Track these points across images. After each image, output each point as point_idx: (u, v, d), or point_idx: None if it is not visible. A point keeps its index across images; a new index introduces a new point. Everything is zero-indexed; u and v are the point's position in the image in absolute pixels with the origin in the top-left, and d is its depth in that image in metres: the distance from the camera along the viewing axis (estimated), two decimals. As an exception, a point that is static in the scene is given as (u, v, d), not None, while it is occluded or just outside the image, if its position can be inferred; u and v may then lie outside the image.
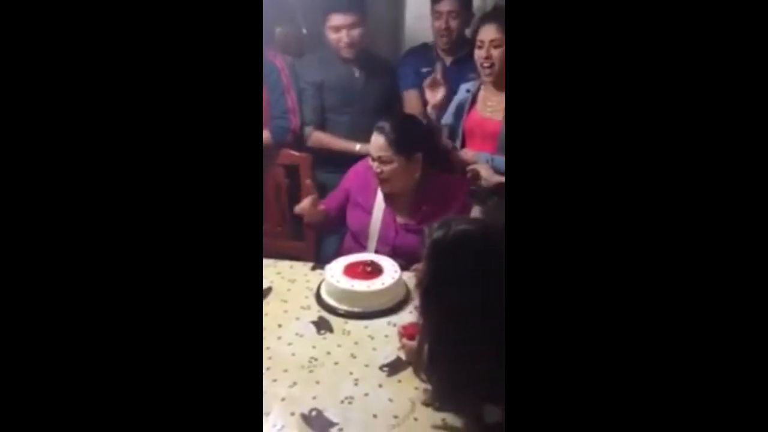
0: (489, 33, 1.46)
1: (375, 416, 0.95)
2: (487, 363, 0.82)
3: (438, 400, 0.92)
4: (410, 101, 1.77)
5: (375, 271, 1.29)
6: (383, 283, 1.25)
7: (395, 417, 0.95)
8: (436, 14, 1.73)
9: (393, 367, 1.07)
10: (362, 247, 1.49)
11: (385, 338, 1.16)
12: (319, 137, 1.78)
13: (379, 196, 1.49)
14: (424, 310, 0.89)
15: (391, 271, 1.29)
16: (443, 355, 0.87)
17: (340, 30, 1.65)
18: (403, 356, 1.08)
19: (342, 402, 0.99)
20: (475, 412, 0.87)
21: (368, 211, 1.49)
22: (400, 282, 1.27)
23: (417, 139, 1.43)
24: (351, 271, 1.29)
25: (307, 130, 1.78)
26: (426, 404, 0.95)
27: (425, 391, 0.95)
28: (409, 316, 1.20)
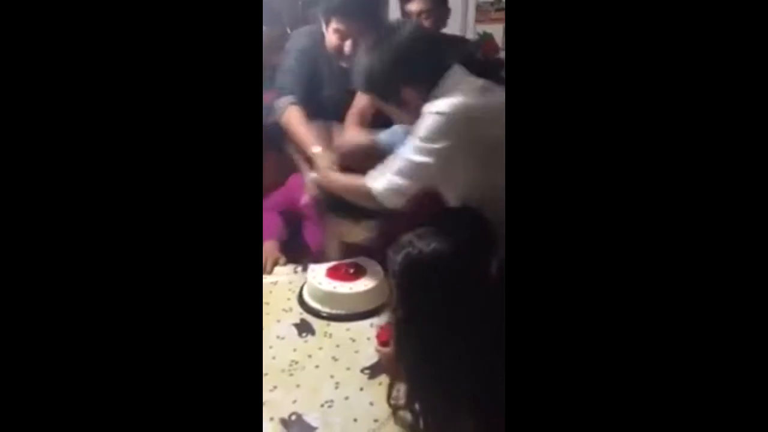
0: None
1: (355, 420, 0.94)
2: (472, 393, 0.78)
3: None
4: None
5: (358, 272, 1.28)
6: (366, 285, 1.24)
7: (375, 421, 0.94)
8: (406, 15, 1.56)
9: (374, 370, 1.06)
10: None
11: (367, 341, 1.15)
12: (293, 116, 1.39)
13: None
14: (399, 347, 0.84)
15: (374, 272, 1.28)
16: (425, 394, 0.83)
17: (345, 37, 1.39)
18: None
19: (322, 406, 0.97)
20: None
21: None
22: (383, 283, 1.26)
23: None
24: (333, 272, 1.28)
25: (284, 102, 1.41)
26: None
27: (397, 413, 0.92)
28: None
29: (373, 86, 1.12)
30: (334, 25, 1.39)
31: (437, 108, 1.02)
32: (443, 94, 1.03)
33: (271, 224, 1.48)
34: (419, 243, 0.79)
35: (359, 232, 1.31)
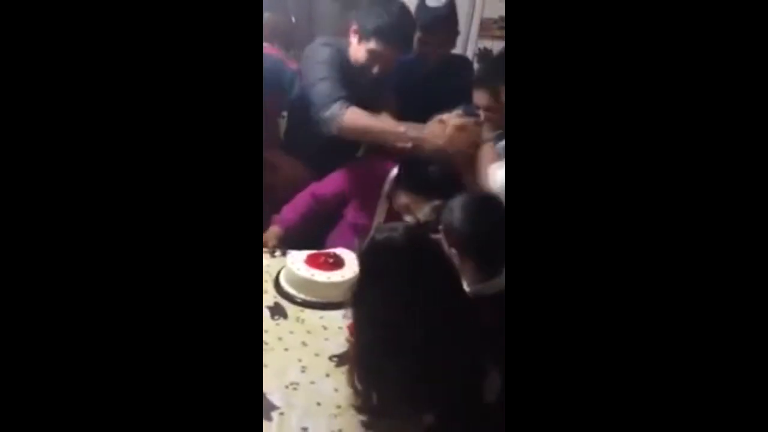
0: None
1: (318, 404, 0.95)
2: (417, 373, 0.81)
3: (370, 410, 0.90)
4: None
5: (337, 263, 1.28)
6: (343, 276, 1.25)
7: (338, 407, 0.94)
8: (421, 42, 1.59)
9: (342, 359, 1.06)
10: None
11: (338, 330, 1.16)
12: (356, 115, 1.35)
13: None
14: (355, 319, 0.88)
15: (352, 264, 1.28)
16: (374, 366, 0.86)
17: (377, 59, 1.41)
18: None
19: (287, 387, 0.98)
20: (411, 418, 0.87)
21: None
22: (360, 276, 1.27)
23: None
24: (313, 260, 1.28)
25: (337, 108, 1.36)
26: (358, 410, 0.92)
27: (357, 395, 0.93)
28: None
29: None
30: (370, 45, 1.40)
31: None
32: None
33: (290, 211, 1.49)
34: (377, 232, 0.85)
35: (425, 211, 1.34)
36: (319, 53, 1.46)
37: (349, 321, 1.13)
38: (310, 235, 1.52)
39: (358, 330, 0.90)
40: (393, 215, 1.43)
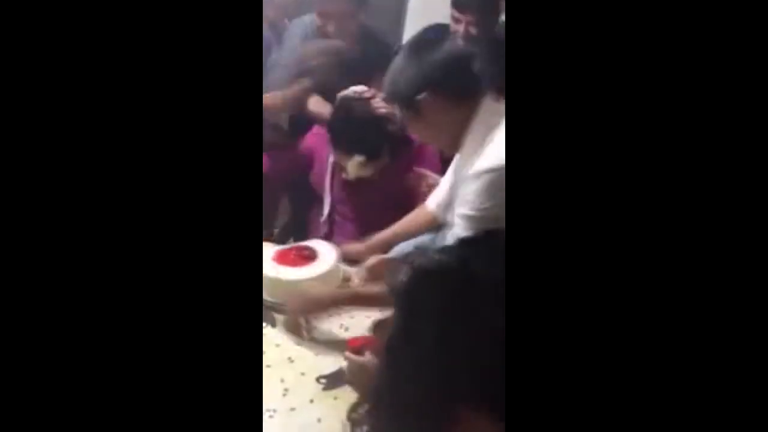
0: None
1: (297, 436, 0.89)
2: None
3: None
4: None
5: (309, 256, 1.16)
6: (313, 272, 1.12)
7: (319, 440, 0.89)
8: (453, 20, 1.53)
9: (332, 380, 0.97)
10: None
11: (333, 343, 1.06)
12: (318, 103, 1.56)
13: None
14: (387, 365, 0.73)
15: (326, 257, 1.17)
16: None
17: (330, 18, 1.52)
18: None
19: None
20: None
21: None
22: (335, 271, 1.15)
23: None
24: (282, 256, 1.16)
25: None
26: None
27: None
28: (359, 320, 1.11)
29: (396, 95, 1.10)
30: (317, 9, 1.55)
31: (487, 166, 0.99)
32: (480, 130, 1.03)
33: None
34: (420, 258, 0.71)
35: (352, 165, 1.37)
36: (294, 28, 1.66)
37: (349, 336, 1.05)
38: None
39: (385, 365, 0.72)
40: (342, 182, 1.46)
